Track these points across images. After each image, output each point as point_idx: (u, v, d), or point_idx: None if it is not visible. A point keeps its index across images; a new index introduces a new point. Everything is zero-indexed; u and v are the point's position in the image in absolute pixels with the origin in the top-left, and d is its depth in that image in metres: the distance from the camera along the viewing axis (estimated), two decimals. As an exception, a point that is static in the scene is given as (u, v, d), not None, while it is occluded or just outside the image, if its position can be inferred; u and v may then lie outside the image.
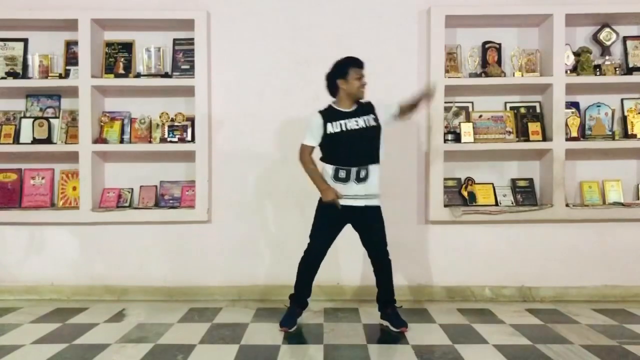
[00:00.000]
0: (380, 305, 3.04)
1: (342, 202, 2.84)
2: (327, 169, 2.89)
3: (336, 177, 2.84)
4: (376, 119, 2.89)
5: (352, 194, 2.85)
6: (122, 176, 3.78)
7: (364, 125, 2.85)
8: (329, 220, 2.91)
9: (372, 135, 2.87)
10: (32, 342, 2.79)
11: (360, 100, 2.92)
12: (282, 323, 2.97)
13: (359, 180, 2.83)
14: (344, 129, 2.83)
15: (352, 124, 2.84)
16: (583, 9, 3.53)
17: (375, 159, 2.88)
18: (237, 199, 3.69)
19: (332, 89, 2.91)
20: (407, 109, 2.96)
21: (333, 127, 2.83)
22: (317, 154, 2.98)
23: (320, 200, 2.93)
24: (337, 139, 2.83)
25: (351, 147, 2.83)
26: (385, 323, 3.01)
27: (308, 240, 3.01)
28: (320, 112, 2.90)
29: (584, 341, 2.77)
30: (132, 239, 3.70)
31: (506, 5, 3.56)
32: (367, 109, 2.91)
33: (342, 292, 3.66)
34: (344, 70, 2.85)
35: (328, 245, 2.96)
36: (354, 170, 2.82)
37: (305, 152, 2.90)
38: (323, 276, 3.56)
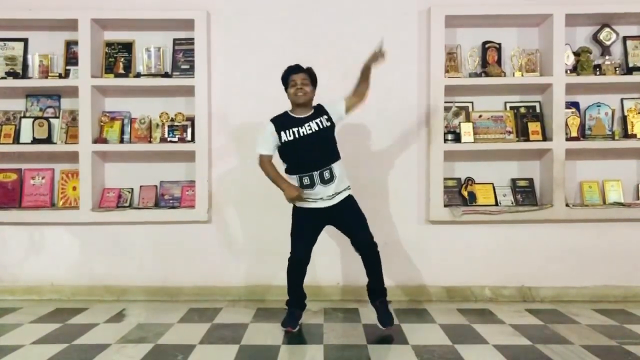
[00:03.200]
0: (369, 294, 3.00)
1: (314, 205, 2.85)
2: (291, 179, 2.88)
3: (302, 185, 2.84)
4: (329, 119, 2.88)
5: (321, 196, 2.84)
6: (122, 176, 3.78)
7: (317, 128, 2.84)
8: (305, 225, 2.90)
9: (327, 135, 2.88)
10: (32, 342, 2.79)
11: (313, 105, 2.92)
12: (285, 324, 2.96)
13: (325, 182, 2.83)
14: (297, 136, 2.83)
15: (306, 129, 2.84)
16: (583, 9, 3.52)
17: (336, 157, 2.88)
18: (237, 199, 3.69)
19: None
20: (361, 84, 2.92)
21: (287, 136, 2.84)
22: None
23: (293, 207, 2.93)
24: (293, 147, 2.84)
25: (309, 152, 2.83)
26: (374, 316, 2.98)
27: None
28: (273, 120, 2.91)
29: (584, 341, 2.77)
30: (132, 239, 3.70)
31: (506, 5, 3.56)
32: (319, 111, 2.91)
33: (342, 292, 3.66)
34: (284, 82, 2.92)
35: (309, 249, 2.92)
36: (316, 174, 2.82)
37: (264, 162, 2.91)
38: (323, 276, 3.59)
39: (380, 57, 2.86)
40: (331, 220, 2.93)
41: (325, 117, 2.88)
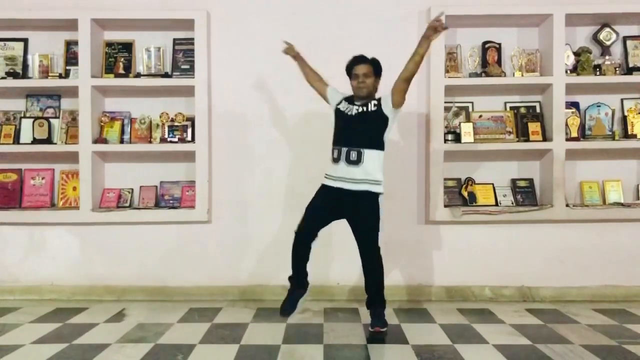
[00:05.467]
0: (367, 299, 2.98)
1: (331, 183, 2.85)
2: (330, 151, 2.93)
3: (332, 157, 2.87)
4: (378, 106, 2.85)
5: (338, 175, 2.82)
6: (122, 176, 3.78)
7: (363, 110, 2.87)
8: (322, 201, 2.88)
9: (371, 119, 2.85)
10: (32, 342, 2.79)
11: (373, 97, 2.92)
12: (283, 311, 2.88)
13: (349, 162, 2.79)
14: (347, 111, 2.90)
15: (354, 109, 2.89)
16: (583, 9, 3.53)
17: (372, 144, 2.82)
18: (237, 199, 3.69)
19: None
20: (411, 59, 2.78)
21: (342, 106, 2.93)
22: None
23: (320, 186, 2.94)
24: (339, 117, 2.93)
25: (346, 126, 2.88)
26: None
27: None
28: (344, 96, 3.00)
29: (584, 341, 2.77)
30: (132, 239, 3.70)
31: (506, 5, 3.56)
32: (371, 101, 2.90)
33: (342, 292, 3.66)
34: (349, 72, 2.94)
35: (317, 225, 2.87)
36: (344, 150, 2.81)
37: (319, 79, 3.10)
38: (323, 276, 3.58)
39: (440, 28, 2.69)
40: (347, 213, 2.87)
41: (375, 102, 2.87)
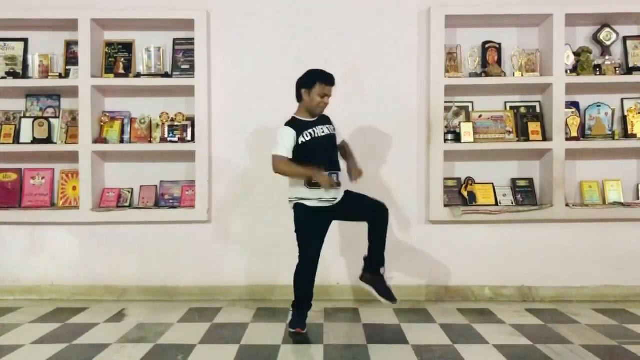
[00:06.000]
0: (370, 264, 2.92)
1: (322, 204, 2.82)
2: (302, 182, 2.83)
3: (310, 184, 2.78)
4: (334, 129, 2.92)
5: (330, 197, 2.82)
6: (122, 176, 3.78)
7: (329, 133, 2.87)
8: (315, 227, 2.85)
9: (335, 142, 2.92)
10: (32, 342, 2.79)
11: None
12: (294, 325, 2.87)
13: (337, 184, 2.84)
14: (314, 136, 2.83)
15: (319, 131, 2.84)
16: (583, 9, 3.52)
17: (339, 166, 2.91)
18: (237, 199, 3.69)
19: (297, 95, 2.89)
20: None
21: (304, 137, 2.81)
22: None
23: (296, 213, 2.86)
24: (308, 147, 2.81)
25: (323, 152, 2.84)
26: (368, 288, 2.92)
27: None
28: (289, 124, 2.85)
29: (584, 341, 2.77)
30: (132, 239, 3.70)
31: (506, 5, 3.56)
32: (325, 119, 2.92)
33: (342, 292, 3.66)
34: (311, 81, 2.82)
35: (319, 251, 2.87)
36: (333, 175, 2.81)
37: (282, 162, 2.79)
38: (323, 276, 3.57)
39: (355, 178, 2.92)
40: (337, 215, 2.90)
41: (332, 126, 2.91)
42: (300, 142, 2.80)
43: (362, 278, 2.96)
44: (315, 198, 2.81)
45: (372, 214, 2.88)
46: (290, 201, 2.88)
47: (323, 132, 2.85)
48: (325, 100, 2.83)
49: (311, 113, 2.86)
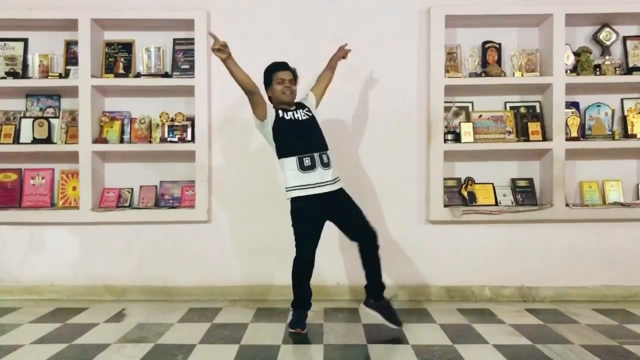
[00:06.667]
0: (372, 293, 2.93)
1: (317, 190, 2.81)
2: (289, 163, 2.82)
3: (302, 167, 2.80)
4: (310, 111, 2.97)
5: (322, 181, 2.82)
6: (122, 176, 3.78)
7: (308, 115, 2.93)
8: (309, 222, 2.86)
9: (316, 123, 2.95)
10: (32, 342, 2.79)
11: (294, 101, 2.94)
12: (294, 325, 2.90)
13: (324, 165, 2.84)
14: (294, 117, 2.87)
15: (300, 114, 2.90)
16: (583, 9, 3.52)
17: (327, 146, 2.93)
18: (237, 199, 3.69)
19: (268, 97, 2.94)
20: (328, 72, 3.14)
21: (285, 114, 2.86)
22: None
23: (292, 208, 2.88)
24: (291, 127, 2.85)
25: (308, 133, 2.88)
26: (373, 313, 2.92)
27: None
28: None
29: (584, 341, 2.77)
30: (132, 239, 3.70)
31: (506, 5, 3.56)
32: (301, 105, 2.97)
33: (342, 292, 3.66)
34: (268, 78, 2.90)
35: (315, 247, 2.88)
36: (317, 155, 2.83)
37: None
38: (323, 276, 3.58)
39: (342, 56, 3.17)
40: (331, 212, 2.89)
41: (307, 109, 2.96)
42: (281, 116, 2.85)
43: (366, 303, 2.97)
44: (308, 184, 2.80)
45: (363, 237, 2.89)
46: (287, 190, 2.87)
47: (305, 115, 2.91)
48: (286, 84, 2.86)
49: (284, 103, 2.89)
